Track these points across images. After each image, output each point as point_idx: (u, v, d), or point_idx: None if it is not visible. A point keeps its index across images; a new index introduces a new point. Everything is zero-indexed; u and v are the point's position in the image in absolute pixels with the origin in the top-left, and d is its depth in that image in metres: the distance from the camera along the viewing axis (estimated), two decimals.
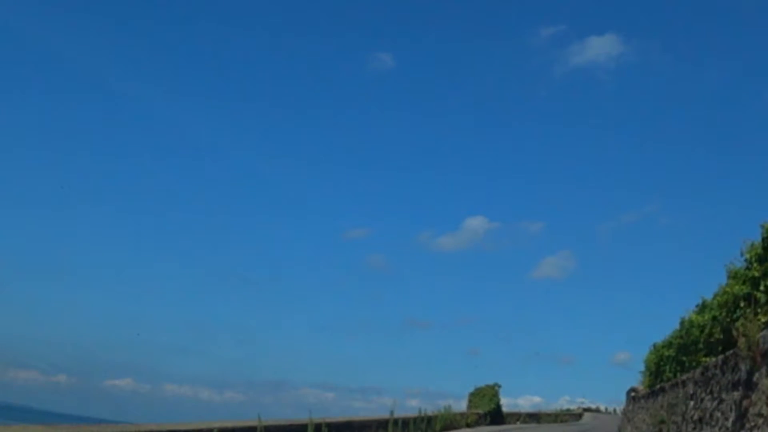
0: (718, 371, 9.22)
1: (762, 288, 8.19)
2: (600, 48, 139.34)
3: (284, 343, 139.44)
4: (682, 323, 13.98)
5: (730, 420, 8.02)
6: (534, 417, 46.24)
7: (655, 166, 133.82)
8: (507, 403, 37.52)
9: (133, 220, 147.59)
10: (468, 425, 28.44)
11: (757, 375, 7.15)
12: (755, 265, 8.57)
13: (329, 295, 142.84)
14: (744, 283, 8.93)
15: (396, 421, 20.65)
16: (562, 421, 50.39)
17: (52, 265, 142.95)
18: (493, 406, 32.55)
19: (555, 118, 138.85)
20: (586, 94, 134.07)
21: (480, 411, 31.46)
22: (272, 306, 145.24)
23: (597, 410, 70.47)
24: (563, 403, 65.48)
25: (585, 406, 67.98)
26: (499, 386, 33.94)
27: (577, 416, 59.49)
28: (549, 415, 51.34)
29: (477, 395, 32.72)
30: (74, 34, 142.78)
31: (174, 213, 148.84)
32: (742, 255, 9.17)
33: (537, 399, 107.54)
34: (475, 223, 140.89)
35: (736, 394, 7.89)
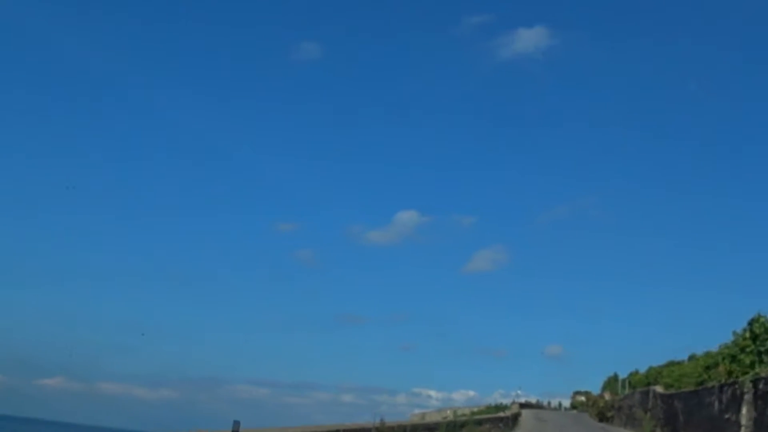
0: None
1: None
2: (529, 40, 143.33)
3: (218, 340, 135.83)
4: None
5: None
6: None
7: (587, 158, 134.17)
8: (440, 398, 15.49)
9: (61, 217, 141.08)
10: None
11: None
12: None
13: (262, 290, 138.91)
14: None
15: None
16: None
17: None
18: None
19: (485, 111, 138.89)
20: (515, 86, 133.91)
21: None
22: (205, 302, 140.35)
23: (538, 405, 54.24)
24: (498, 396, 54.85)
25: (521, 400, 50.75)
26: None
27: (511, 419, 36.40)
28: (453, 426, 26.38)
29: None
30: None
31: (103, 210, 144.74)
32: None
33: (471, 393, 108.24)
34: (407, 216, 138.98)
35: None
